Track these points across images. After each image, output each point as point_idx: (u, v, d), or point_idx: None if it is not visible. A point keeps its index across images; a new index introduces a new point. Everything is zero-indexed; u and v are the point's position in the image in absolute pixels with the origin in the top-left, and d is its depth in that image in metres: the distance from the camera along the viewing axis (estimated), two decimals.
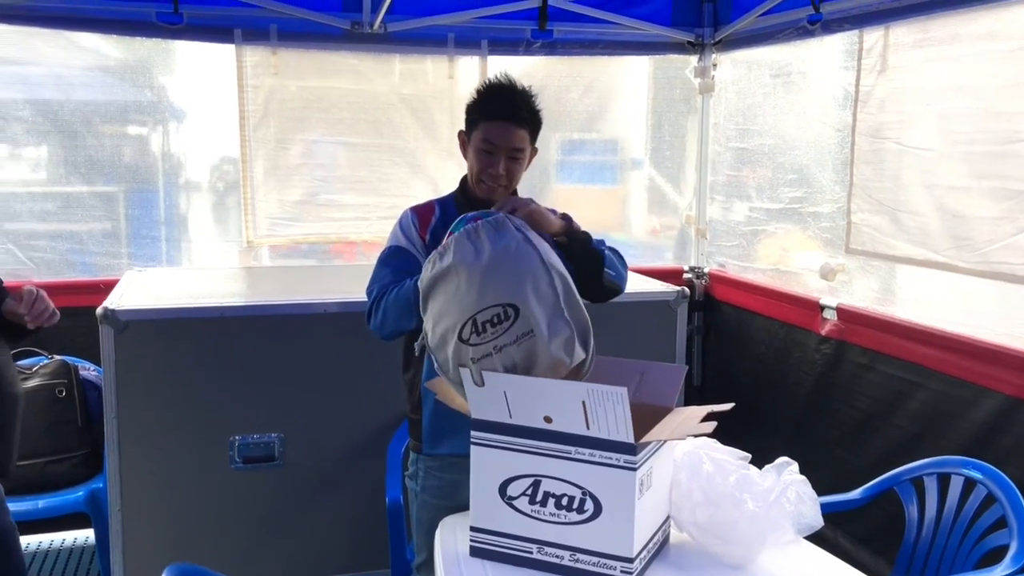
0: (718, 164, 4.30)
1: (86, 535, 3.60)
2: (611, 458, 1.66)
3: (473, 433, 1.76)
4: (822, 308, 3.41)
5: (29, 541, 3.59)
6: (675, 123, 4.44)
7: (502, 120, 2.16)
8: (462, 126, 2.25)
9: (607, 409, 1.64)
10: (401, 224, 2.24)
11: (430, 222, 2.21)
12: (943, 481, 2.41)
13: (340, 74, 3.94)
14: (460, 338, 1.76)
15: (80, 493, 3.07)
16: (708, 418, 1.76)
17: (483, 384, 1.73)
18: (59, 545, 3.63)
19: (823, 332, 3.39)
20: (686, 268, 4.40)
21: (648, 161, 4.50)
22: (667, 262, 4.48)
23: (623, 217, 4.63)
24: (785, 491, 1.84)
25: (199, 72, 3.87)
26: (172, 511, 2.94)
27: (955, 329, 2.83)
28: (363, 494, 3.02)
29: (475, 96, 2.23)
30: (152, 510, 2.91)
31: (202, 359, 2.91)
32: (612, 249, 2.25)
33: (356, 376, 2.99)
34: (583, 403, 1.66)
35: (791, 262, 3.82)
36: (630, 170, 4.56)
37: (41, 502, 2.98)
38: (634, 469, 1.64)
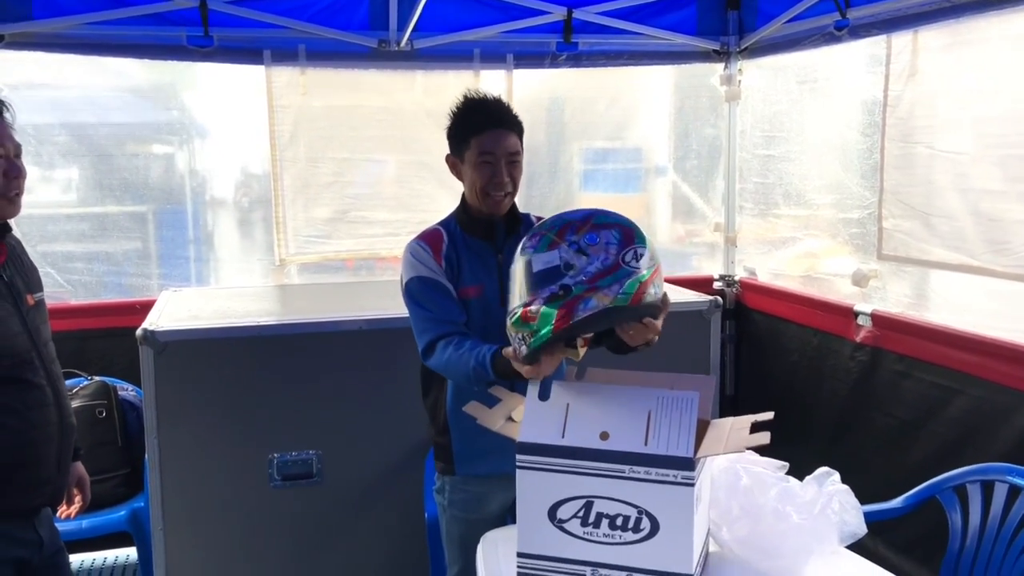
0: (746, 171, 4.29)
1: (128, 553, 3.64)
2: (668, 475, 1.65)
3: (519, 457, 1.73)
4: (856, 315, 3.38)
5: (74, 560, 3.63)
6: (700, 131, 4.44)
7: (492, 128, 2.17)
8: None
9: (672, 419, 1.66)
10: (413, 255, 2.21)
11: (441, 249, 2.21)
12: (987, 489, 2.39)
13: (367, 92, 3.98)
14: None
15: (122, 512, 3.11)
16: (756, 428, 1.75)
17: (548, 398, 1.74)
18: (102, 564, 3.67)
19: (858, 339, 3.37)
20: (716, 276, 4.38)
21: (673, 169, 4.49)
22: (695, 270, 4.47)
23: (649, 225, 4.62)
24: (830, 502, 1.83)
25: (224, 90, 3.92)
26: (213, 529, 2.97)
27: (993, 334, 2.80)
28: (402, 508, 3.03)
29: (455, 116, 2.25)
30: (193, 528, 2.94)
31: (240, 377, 2.95)
32: None
33: (392, 391, 3.01)
34: (648, 413, 1.67)
35: (822, 268, 3.80)
36: (655, 178, 4.56)
37: (84, 522, 3.02)
38: (692, 485, 1.64)
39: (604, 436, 1.70)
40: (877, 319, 3.29)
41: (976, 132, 2.87)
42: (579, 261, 1.74)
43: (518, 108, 2.31)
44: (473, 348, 2.01)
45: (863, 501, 1.89)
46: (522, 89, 4.00)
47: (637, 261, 1.77)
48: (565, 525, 1.73)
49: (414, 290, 2.18)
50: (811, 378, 3.67)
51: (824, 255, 3.81)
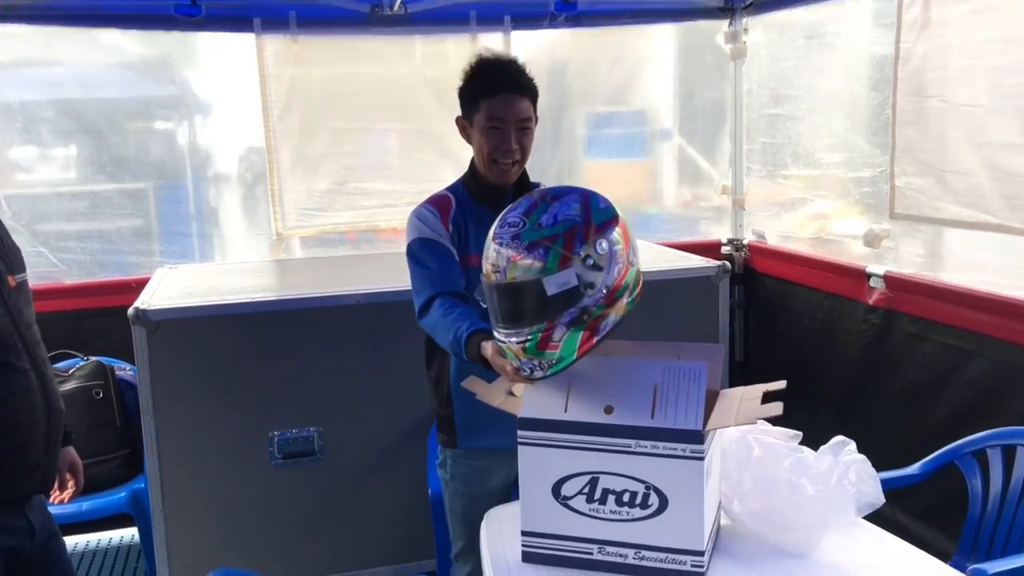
0: (753, 131, 4.17)
1: (132, 533, 3.60)
2: (676, 449, 1.59)
3: (520, 433, 1.68)
4: (868, 276, 3.28)
5: (76, 541, 3.61)
6: (705, 92, 4.32)
7: (504, 93, 2.08)
8: None
9: (680, 391, 1.59)
10: (419, 218, 2.15)
11: (449, 212, 2.14)
12: (1008, 453, 2.31)
13: (362, 59, 3.87)
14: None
15: (123, 494, 3.06)
16: (768, 398, 1.68)
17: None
18: (106, 544, 3.64)
19: (870, 301, 3.28)
20: (724, 240, 4.29)
21: (678, 132, 4.38)
22: (702, 235, 4.37)
23: (654, 190, 4.52)
24: (846, 472, 1.75)
25: (221, 64, 3.82)
26: (214, 509, 2.92)
27: (1012, 293, 2.70)
28: (405, 484, 2.99)
29: (467, 77, 2.15)
30: (194, 509, 2.90)
31: (236, 355, 2.89)
32: None
33: (392, 366, 2.95)
34: (655, 385, 1.61)
35: (832, 230, 3.71)
36: (659, 142, 4.45)
37: (85, 504, 2.96)
38: (701, 459, 1.58)
39: (609, 410, 1.64)
40: (890, 280, 3.20)
41: (992, 83, 2.75)
42: (597, 278, 1.63)
43: None
44: (458, 320, 1.93)
45: (878, 468, 1.83)
46: (521, 52, 3.81)
47: (636, 255, 1.72)
48: (570, 502, 1.68)
49: (416, 250, 2.12)
50: (822, 342, 3.59)
51: (834, 216, 3.71)
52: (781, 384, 1.74)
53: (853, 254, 3.51)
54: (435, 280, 2.06)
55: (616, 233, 1.66)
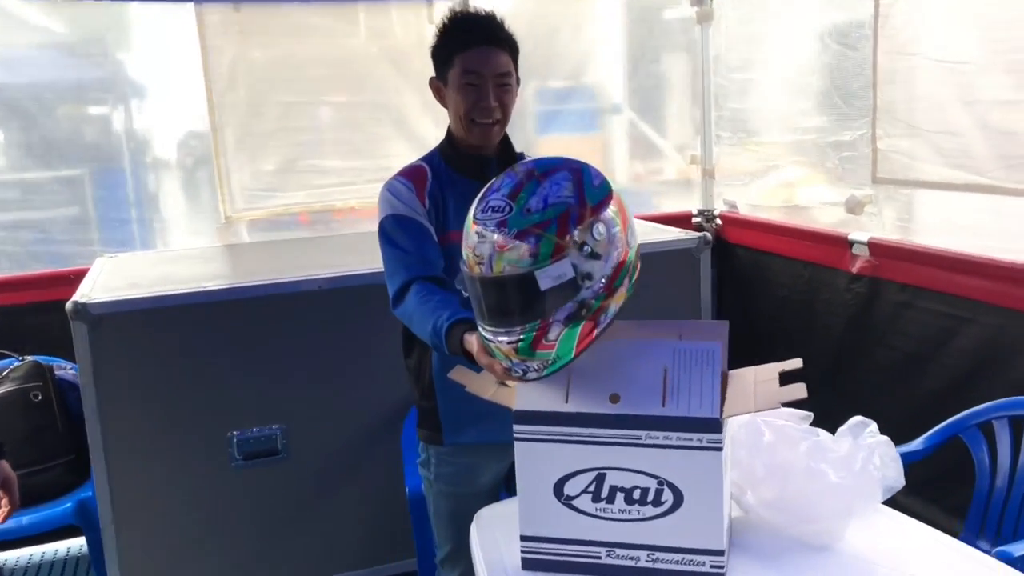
0: (721, 98, 4.03)
1: (80, 543, 3.37)
2: (691, 439, 1.43)
3: (516, 428, 1.51)
4: (851, 244, 3.17)
5: (18, 555, 3.36)
6: (663, 60, 4.16)
7: (480, 45, 1.89)
8: None
9: (692, 375, 1.45)
10: (391, 192, 1.95)
11: (425, 185, 1.95)
12: (1015, 425, 2.21)
13: (312, 29, 3.62)
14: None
15: (68, 505, 2.82)
16: (784, 380, 1.52)
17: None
18: (51, 557, 3.40)
19: (854, 270, 3.16)
20: (694, 212, 4.15)
21: (630, 104, 4.21)
22: (665, 208, 4.23)
23: (610, 164, 4.35)
24: (871, 456, 1.62)
25: (159, 43, 3.55)
26: (170, 517, 2.71)
27: (1007, 256, 2.60)
28: (378, 483, 2.81)
29: (439, 33, 1.96)
30: (147, 518, 2.69)
31: (188, 350, 2.67)
32: None
33: (359, 357, 2.76)
34: (664, 370, 1.46)
35: (808, 198, 3.58)
36: (610, 115, 4.28)
37: (25, 519, 2.72)
38: (720, 449, 1.43)
39: (614, 399, 1.48)
40: (874, 247, 3.08)
41: (983, 38, 2.63)
42: (595, 268, 1.44)
43: None
44: (437, 309, 1.74)
45: None
46: None
47: (634, 233, 1.55)
48: (574, 502, 1.52)
49: (388, 228, 1.92)
50: (803, 314, 3.47)
51: (810, 183, 3.59)
52: (797, 362, 1.58)
53: (825, 222, 3.40)
54: (410, 263, 1.87)
55: (612, 211, 1.48)
